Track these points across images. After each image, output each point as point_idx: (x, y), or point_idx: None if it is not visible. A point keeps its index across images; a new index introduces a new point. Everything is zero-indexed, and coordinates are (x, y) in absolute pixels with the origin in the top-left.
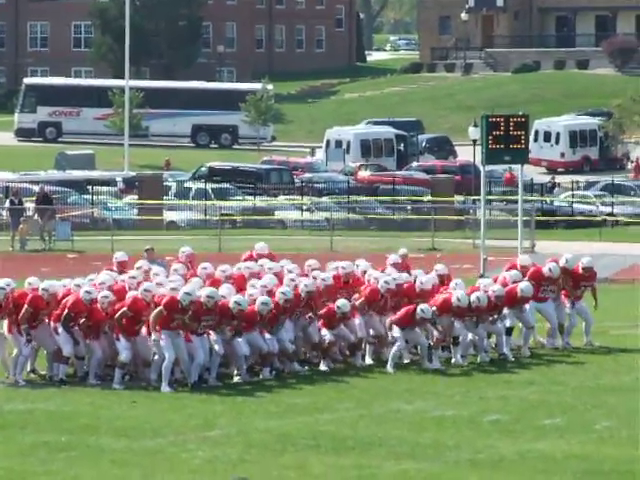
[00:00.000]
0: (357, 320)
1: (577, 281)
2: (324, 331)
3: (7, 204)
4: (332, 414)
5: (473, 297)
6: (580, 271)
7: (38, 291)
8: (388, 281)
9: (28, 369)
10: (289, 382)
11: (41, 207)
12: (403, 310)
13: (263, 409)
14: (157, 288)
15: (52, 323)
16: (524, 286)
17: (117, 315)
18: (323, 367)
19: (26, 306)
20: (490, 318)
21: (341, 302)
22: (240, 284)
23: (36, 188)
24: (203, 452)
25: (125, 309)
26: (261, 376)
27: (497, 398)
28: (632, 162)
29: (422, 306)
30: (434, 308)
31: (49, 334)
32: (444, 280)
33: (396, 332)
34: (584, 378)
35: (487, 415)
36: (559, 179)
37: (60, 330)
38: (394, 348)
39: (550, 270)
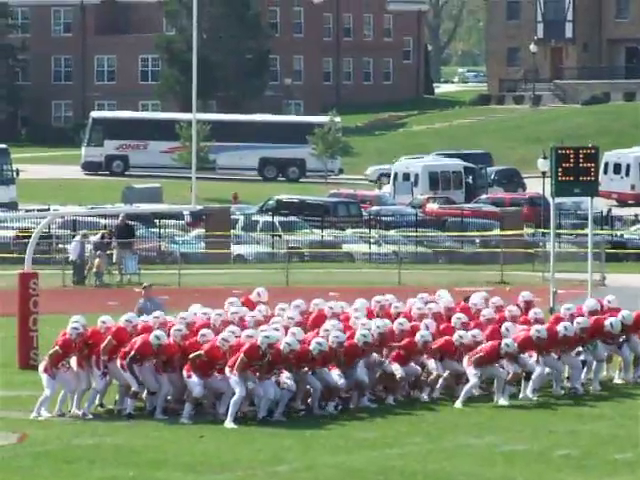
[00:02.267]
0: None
1: None
2: (396, 366)
3: (97, 238)
4: (401, 449)
5: (560, 327)
6: None
7: (117, 326)
8: (462, 336)
9: (97, 402)
10: (357, 416)
11: (122, 240)
12: (487, 346)
13: (331, 443)
14: (234, 337)
15: (119, 360)
16: (614, 321)
17: (192, 356)
18: (390, 401)
19: (109, 337)
20: (577, 349)
21: (422, 334)
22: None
23: (103, 221)
24: None
25: (201, 352)
26: (328, 410)
27: (567, 432)
28: None
29: (507, 340)
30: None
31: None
32: (529, 306)
33: (473, 370)
34: None
35: (557, 450)
36: (629, 211)
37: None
38: (469, 385)
39: (611, 325)
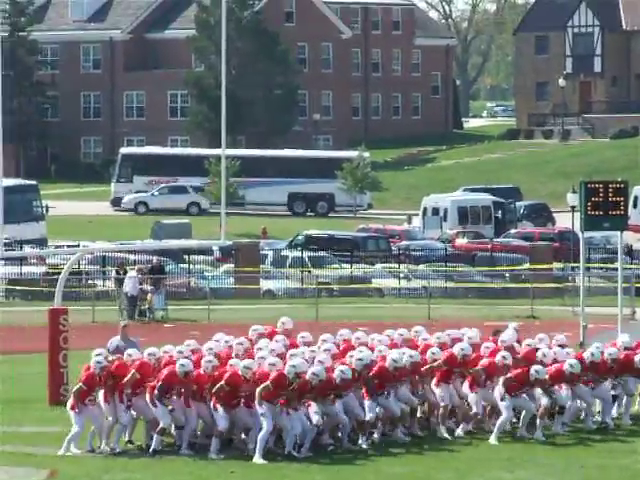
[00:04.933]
0: (472, 395)
1: None
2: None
3: (113, 274)
4: None
5: (587, 353)
6: None
7: (141, 359)
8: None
9: (126, 439)
10: (388, 450)
11: (156, 277)
12: (518, 371)
13: (362, 478)
14: (256, 365)
15: (148, 395)
16: None
17: (215, 388)
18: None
19: (133, 371)
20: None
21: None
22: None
23: (132, 257)
24: None
25: (222, 383)
26: (359, 444)
27: (598, 467)
28: None
29: (536, 367)
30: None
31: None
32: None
33: (506, 402)
34: None
35: None
36: None
37: (156, 402)
38: (502, 419)
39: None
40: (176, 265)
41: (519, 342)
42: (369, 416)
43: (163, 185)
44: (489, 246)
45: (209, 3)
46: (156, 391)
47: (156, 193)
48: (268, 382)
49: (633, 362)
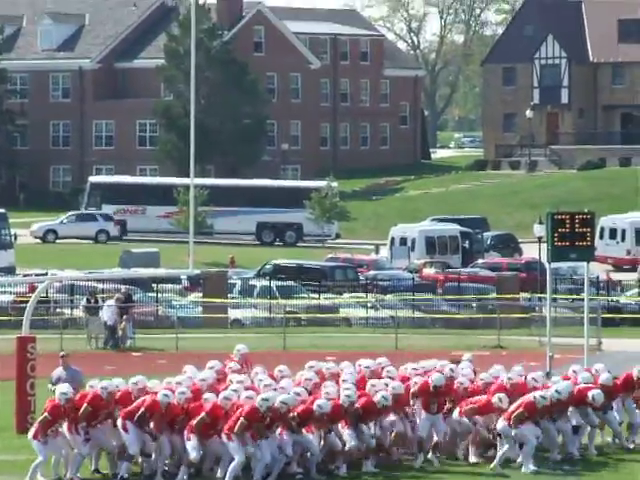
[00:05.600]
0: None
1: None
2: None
3: (83, 302)
4: None
5: (553, 392)
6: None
7: (94, 392)
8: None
9: (92, 468)
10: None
11: (124, 305)
12: (522, 402)
13: None
14: (235, 395)
15: (120, 420)
16: (596, 394)
17: (196, 421)
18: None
19: (85, 405)
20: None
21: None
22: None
23: (101, 285)
24: None
25: (204, 415)
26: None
27: None
28: None
29: (540, 392)
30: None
31: (109, 433)
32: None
33: (507, 430)
34: None
35: None
36: (624, 276)
37: (129, 427)
38: (505, 447)
39: (593, 398)
40: (144, 294)
41: (475, 373)
42: (351, 444)
43: (71, 213)
44: (457, 276)
45: (178, 33)
46: (137, 417)
47: (65, 221)
48: (242, 418)
49: (585, 397)
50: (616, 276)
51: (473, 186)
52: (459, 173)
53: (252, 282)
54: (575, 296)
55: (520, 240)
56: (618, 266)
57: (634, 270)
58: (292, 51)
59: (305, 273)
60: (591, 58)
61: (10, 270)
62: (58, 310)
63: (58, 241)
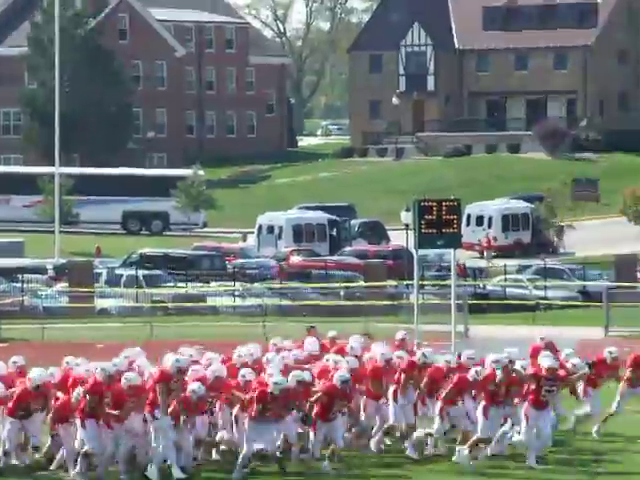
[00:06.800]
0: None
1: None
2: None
3: None
4: None
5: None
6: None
7: None
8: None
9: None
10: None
11: None
12: (455, 379)
13: None
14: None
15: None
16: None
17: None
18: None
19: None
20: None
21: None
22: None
23: None
24: None
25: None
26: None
27: None
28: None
29: (477, 368)
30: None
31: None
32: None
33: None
34: None
35: None
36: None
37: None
38: (435, 428)
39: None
40: (9, 284)
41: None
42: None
43: None
44: (324, 264)
45: (42, 20)
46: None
47: None
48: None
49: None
50: (482, 263)
51: (340, 174)
52: (326, 161)
53: (118, 271)
54: (442, 282)
55: (387, 227)
56: (484, 253)
57: (502, 257)
58: (157, 39)
59: (172, 262)
60: (456, 45)
61: None
62: None
63: None
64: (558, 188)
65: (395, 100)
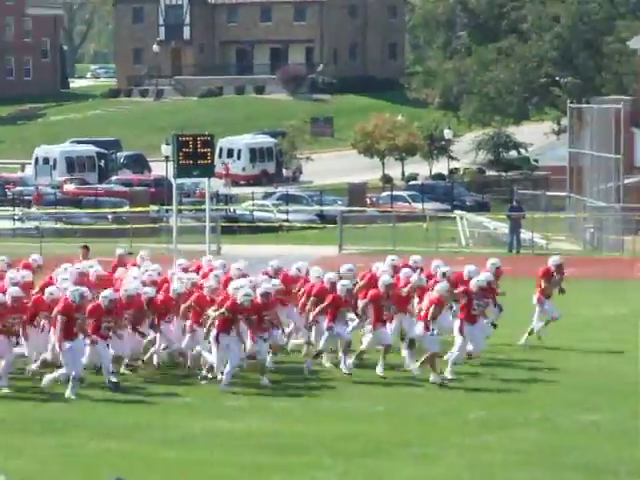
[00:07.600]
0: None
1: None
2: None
3: None
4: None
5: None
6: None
7: None
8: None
9: None
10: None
11: None
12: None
13: None
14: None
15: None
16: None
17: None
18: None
19: None
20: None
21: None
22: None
23: None
24: None
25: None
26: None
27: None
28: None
29: (385, 277)
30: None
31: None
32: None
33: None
34: None
35: None
36: (241, 190)
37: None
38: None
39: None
40: None
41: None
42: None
43: None
44: (94, 191)
45: None
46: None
47: None
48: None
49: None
50: (234, 190)
51: (108, 112)
52: (95, 100)
53: None
54: (198, 207)
55: (150, 159)
56: (235, 181)
57: (248, 185)
58: None
59: None
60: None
61: None
62: None
63: None
64: (298, 125)
65: (156, 47)
